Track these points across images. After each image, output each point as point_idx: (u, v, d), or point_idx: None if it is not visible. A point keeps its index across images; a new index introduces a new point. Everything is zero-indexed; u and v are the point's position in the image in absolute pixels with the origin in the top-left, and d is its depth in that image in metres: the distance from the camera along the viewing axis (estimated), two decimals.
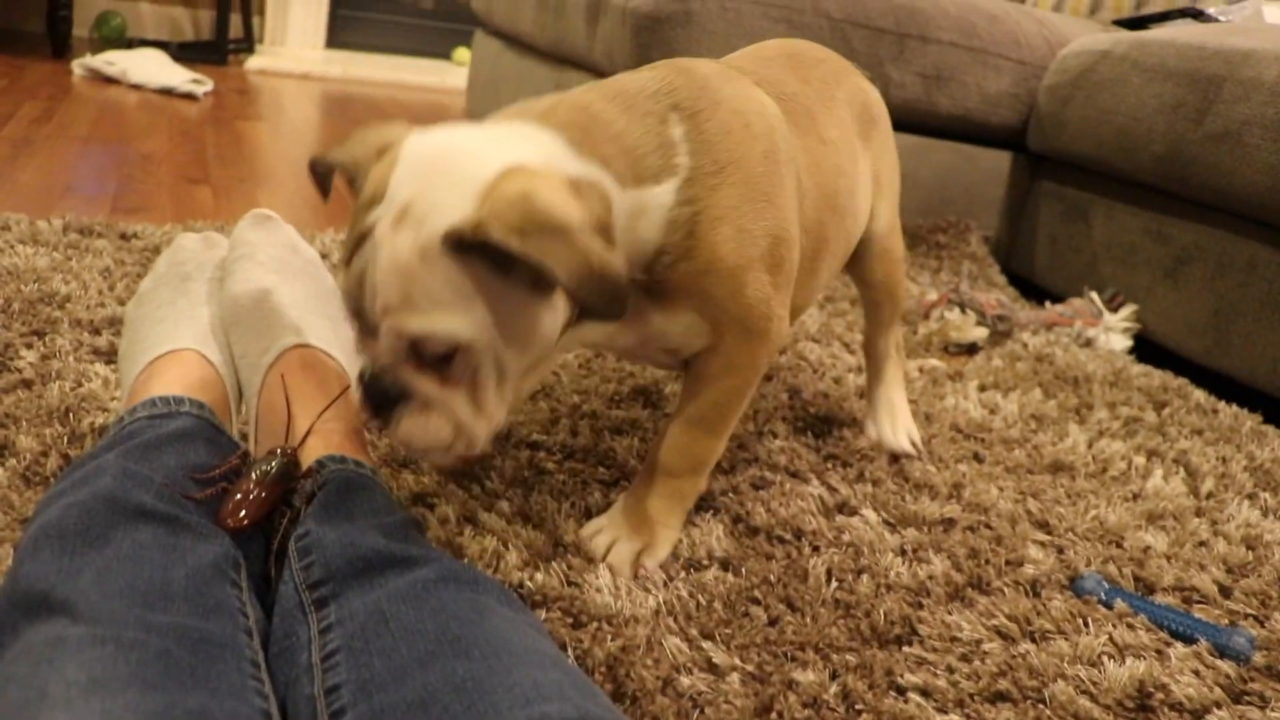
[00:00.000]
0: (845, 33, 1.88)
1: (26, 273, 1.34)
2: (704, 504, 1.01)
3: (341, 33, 4.43)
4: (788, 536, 0.97)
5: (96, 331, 1.21)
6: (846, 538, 0.98)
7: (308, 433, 0.82)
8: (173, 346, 0.89)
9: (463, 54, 4.51)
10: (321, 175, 0.80)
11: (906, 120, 2.03)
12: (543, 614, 0.81)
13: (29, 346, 1.15)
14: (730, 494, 1.03)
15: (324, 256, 1.58)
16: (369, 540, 0.72)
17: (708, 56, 1.79)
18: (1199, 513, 1.17)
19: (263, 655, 0.65)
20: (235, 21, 4.00)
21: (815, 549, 0.96)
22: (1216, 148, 1.66)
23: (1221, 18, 2.18)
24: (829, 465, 1.14)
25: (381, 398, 0.75)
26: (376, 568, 0.69)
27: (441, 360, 0.73)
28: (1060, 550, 1.03)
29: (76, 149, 2.21)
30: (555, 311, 0.75)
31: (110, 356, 1.15)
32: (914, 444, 1.20)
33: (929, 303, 1.69)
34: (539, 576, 0.85)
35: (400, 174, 0.71)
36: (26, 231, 1.50)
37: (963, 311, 1.62)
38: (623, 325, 0.84)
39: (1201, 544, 1.09)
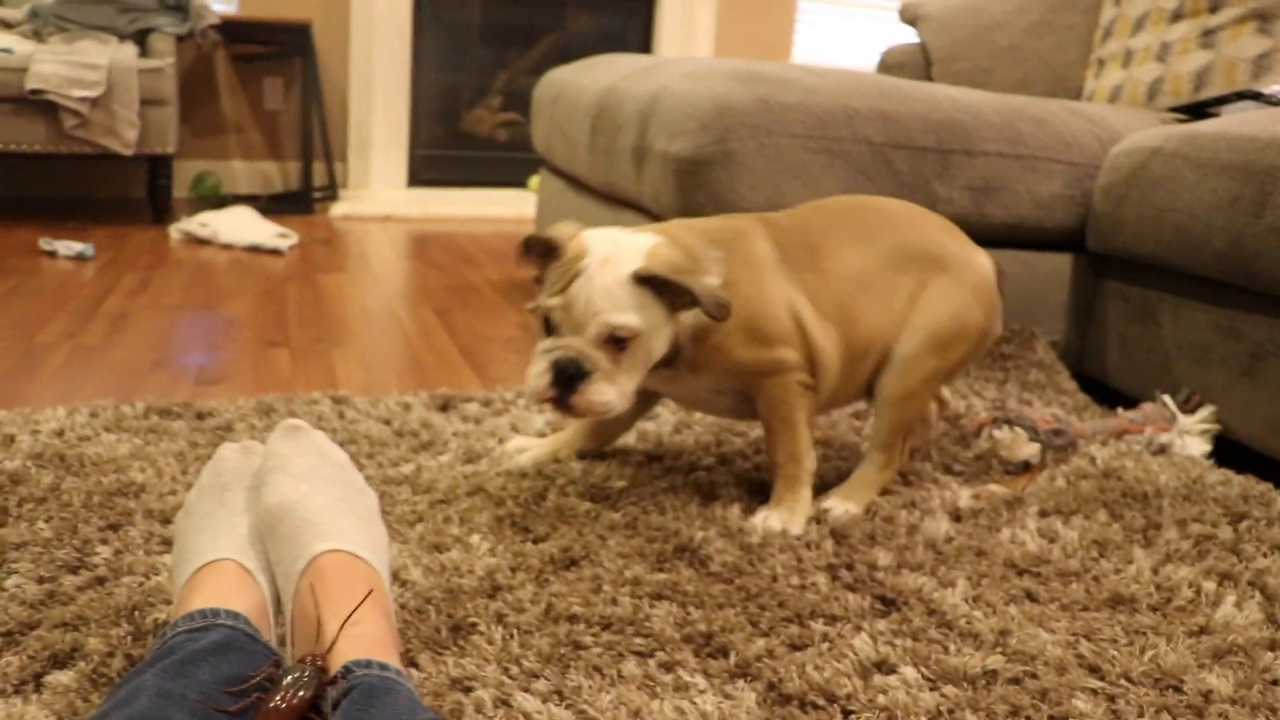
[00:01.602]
0: (887, 156, 1.91)
1: (107, 463, 1.42)
2: (739, 670, 1.01)
3: (422, 171, 4.62)
4: (821, 702, 0.96)
5: (167, 521, 1.27)
6: (882, 700, 0.97)
7: (336, 639, 0.86)
8: (213, 557, 0.94)
9: (537, 181, 4.65)
10: (533, 246, 1.29)
11: None
12: None
13: (104, 542, 1.22)
14: (765, 658, 1.03)
15: (386, 422, 1.64)
16: None
17: (750, 193, 1.83)
18: (1273, 645, 1.12)
19: None
20: (321, 169, 4.21)
21: (847, 715, 0.95)
22: (1279, 240, 1.63)
23: None
24: (874, 613, 1.14)
25: (569, 375, 1.21)
26: None
27: (618, 345, 1.22)
28: (1111, 699, 1.00)
29: (167, 319, 2.34)
30: (671, 331, 1.29)
31: None
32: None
33: (978, 422, 1.67)
34: None
35: (594, 243, 1.25)
36: (111, 418, 1.59)
37: (1010, 429, 1.60)
38: (674, 378, 1.36)
39: (1274, 682, 1.05)
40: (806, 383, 1.38)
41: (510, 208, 4.29)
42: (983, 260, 1.48)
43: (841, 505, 1.42)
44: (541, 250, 1.28)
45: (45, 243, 3.04)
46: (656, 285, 1.23)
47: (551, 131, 2.62)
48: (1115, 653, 1.08)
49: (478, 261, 3.32)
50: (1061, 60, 2.95)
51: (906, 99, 1.97)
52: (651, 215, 2.03)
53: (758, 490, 1.46)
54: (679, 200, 1.86)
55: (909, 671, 1.02)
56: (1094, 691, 1.01)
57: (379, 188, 4.45)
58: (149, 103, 3.44)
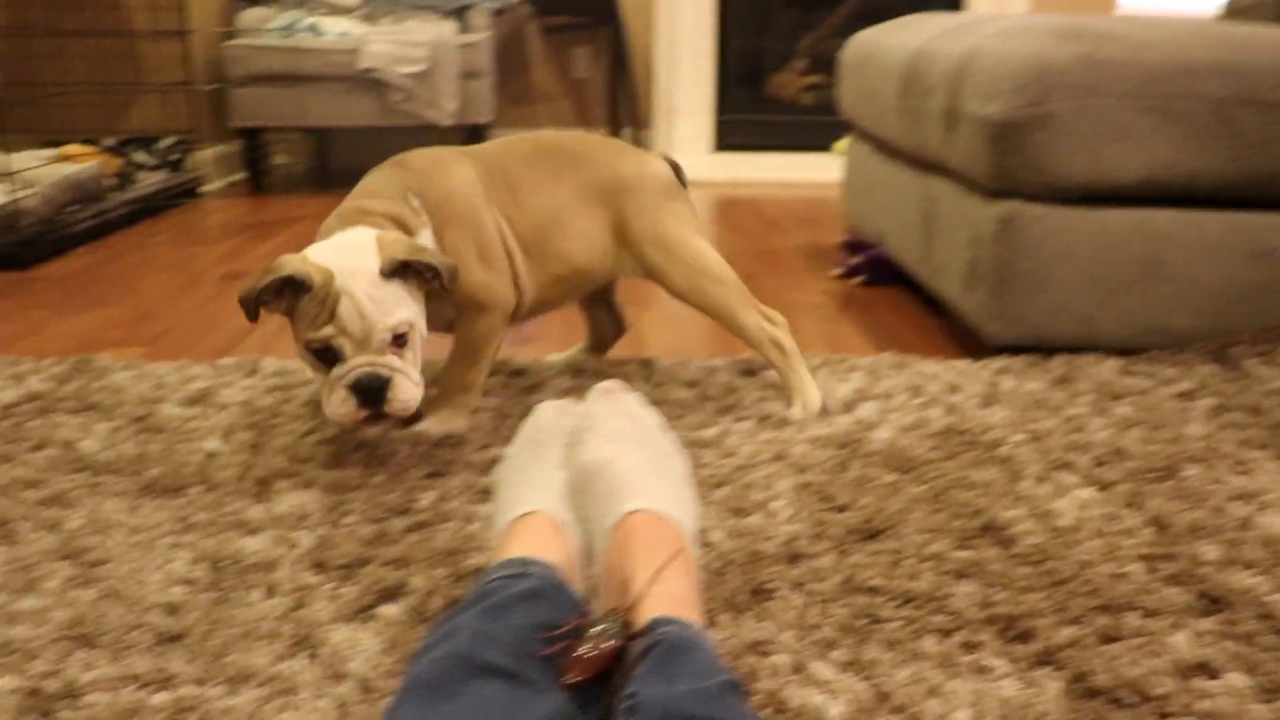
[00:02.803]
0: (1230, 114, 1.74)
1: None
2: (1043, 658, 0.97)
3: (727, 136, 4.65)
4: (1133, 700, 0.91)
5: (483, 473, 1.36)
6: (1204, 706, 0.90)
7: (642, 595, 0.89)
8: (527, 509, 1.01)
9: (841, 144, 4.58)
10: (269, 290, 1.30)
11: None
12: None
13: (427, 489, 1.32)
14: (1073, 648, 0.98)
15: (692, 385, 1.68)
16: (685, 705, 0.76)
17: (1070, 158, 1.73)
18: None
19: None
20: (628, 135, 4.33)
21: (1164, 717, 0.89)
22: None
23: None
24: (1196, 610, 1.06)
25: (374, 389, 1.30)
26: None
27: (400, 341, 1.32)
28: None
29: None
30: (422, 299, 1.37)
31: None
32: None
33: None
34: None
35: (330, 261, 1.30)
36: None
37: None
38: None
39: None
40: (508, 317, 1.52)
41: (815, 172, 4.24)
42: (656, 164, 1.63)
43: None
44: (278, 290, 1.32)
45: None
46: (401, 270, 1.32)
47: (859, 94, 2.58)
48: None
49: (782, 227, 3.32)
50: None
51: (1256, 48, 1.78)
52: (963, 180, 1.95)
53: (1067, 469, 1.38)
54: (992, 165, 1.78)
55: (1236, 678, 0.94)
56: None
57: (684, 153, 4.52)
58: (467, 75, 3.66)
